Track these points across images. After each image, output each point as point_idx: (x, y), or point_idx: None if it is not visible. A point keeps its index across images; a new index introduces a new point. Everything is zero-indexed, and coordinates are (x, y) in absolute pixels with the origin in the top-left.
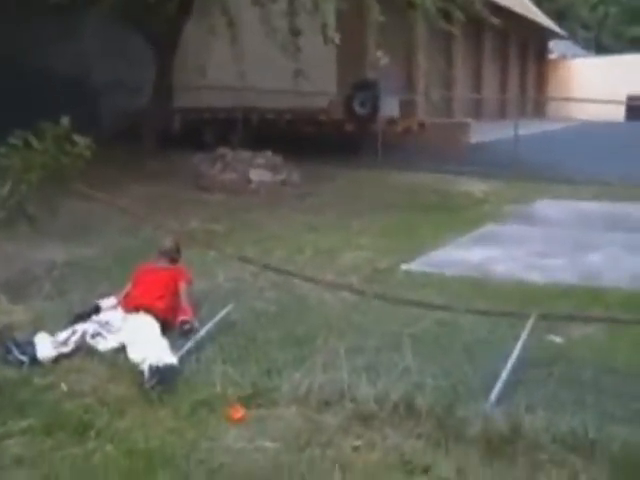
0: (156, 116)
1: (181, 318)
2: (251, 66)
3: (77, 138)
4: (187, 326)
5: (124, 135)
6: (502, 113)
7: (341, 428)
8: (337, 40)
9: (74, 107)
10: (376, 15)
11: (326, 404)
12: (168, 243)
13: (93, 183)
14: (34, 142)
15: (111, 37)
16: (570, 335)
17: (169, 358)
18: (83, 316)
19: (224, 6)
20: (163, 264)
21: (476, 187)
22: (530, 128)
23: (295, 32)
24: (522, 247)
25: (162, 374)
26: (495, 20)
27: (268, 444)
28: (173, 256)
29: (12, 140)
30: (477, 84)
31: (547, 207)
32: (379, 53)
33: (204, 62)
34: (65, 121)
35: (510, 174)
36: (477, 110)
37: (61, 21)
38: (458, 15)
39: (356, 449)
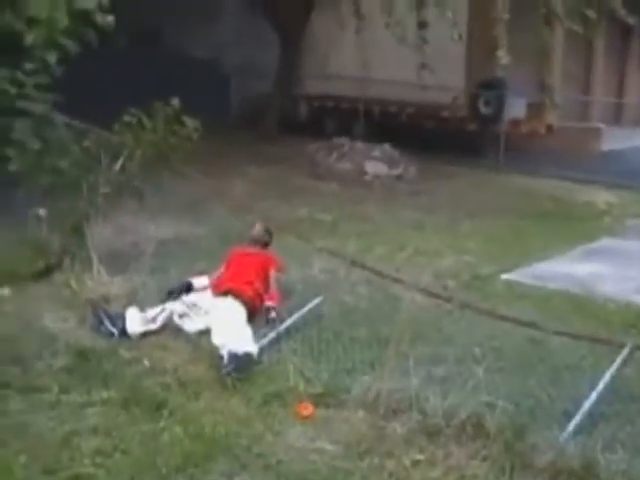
0: (278, 102)
1: (267, 303)
2: (376, 57)
3: (186, 120)
4: (272, 313)
5: (251, 118)
6: None
7: (404, 439)
8: (456, 36)
9: (206, 89)
10: (500, 12)
11: (393, 412)
12: (257, 230)
13: (210, 163)
14: (145, 121)
15: (244, 21)
16: None
17: (249, 346)
18: (175, 292)
19: None
20: (255, 249)
21: (600, 197)
22: None
23: (422, 24)
24: (638, 266)
25: (239, 361)
26: (631, 20)
27: (328, 446)
28: (263, 241)
29: (126, 118)
30: (620, 87)
31: None
32: (500, 52)
33: (329, 51)
34: (175, 102)
35: None
36: (618, 116)
37: (199, 3)
38: (590, 14)
39: (416, 463)
